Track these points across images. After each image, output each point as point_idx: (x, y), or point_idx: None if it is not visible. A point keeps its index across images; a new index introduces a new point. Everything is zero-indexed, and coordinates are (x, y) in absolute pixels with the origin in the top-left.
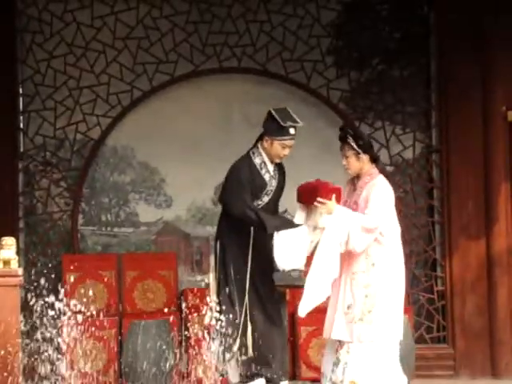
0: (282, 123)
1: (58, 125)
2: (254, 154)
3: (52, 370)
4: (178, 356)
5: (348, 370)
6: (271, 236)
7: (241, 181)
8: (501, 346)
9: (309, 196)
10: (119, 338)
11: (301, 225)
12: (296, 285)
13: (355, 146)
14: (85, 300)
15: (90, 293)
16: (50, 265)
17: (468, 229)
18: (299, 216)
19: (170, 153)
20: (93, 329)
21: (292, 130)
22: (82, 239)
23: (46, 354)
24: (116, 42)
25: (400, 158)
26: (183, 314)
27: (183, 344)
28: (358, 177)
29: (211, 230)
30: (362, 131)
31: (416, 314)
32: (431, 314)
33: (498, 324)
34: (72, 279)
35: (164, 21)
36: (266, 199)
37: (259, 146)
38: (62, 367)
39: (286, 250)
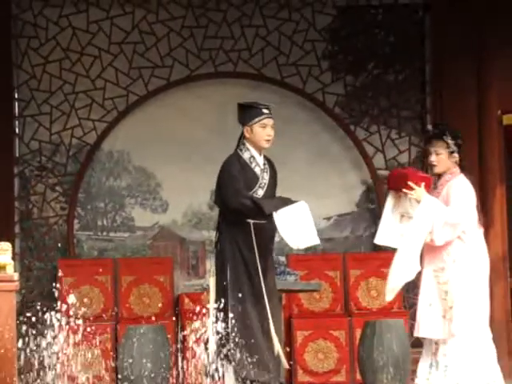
0: (253, 106)
1: (53, 130)
2: (241, 150)
3: (48, 376)
4: (174, 361)
5: (449, 373)
6: (273, 239)
7: (231, 174)
8: (497, 347)
9: (398, 182)
10: (115, 343)
11: (298, 201)
12: (292, 289)
13: (452, 145)
14: (81, 305)
15: (85, 299)
16: (45, 270)
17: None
18: (388, 203)
19: (166, 157)
20: (89, 334)
21: (265, 110)
22: (77, 244)
23: (41, 359)
24: (112, 46)
25: (395, 162)
26: (179, 319)
27: (179, 349)
28: (437, 175)
29: (207, 234)
30: (457, 130)
31: (412, 317)
32: None
33: (493, 328)
34: (68, 284)
35: (160, 26)
36: (260, 192)
37: (244, 141)
38: (58, 373)
39: (292, 228)
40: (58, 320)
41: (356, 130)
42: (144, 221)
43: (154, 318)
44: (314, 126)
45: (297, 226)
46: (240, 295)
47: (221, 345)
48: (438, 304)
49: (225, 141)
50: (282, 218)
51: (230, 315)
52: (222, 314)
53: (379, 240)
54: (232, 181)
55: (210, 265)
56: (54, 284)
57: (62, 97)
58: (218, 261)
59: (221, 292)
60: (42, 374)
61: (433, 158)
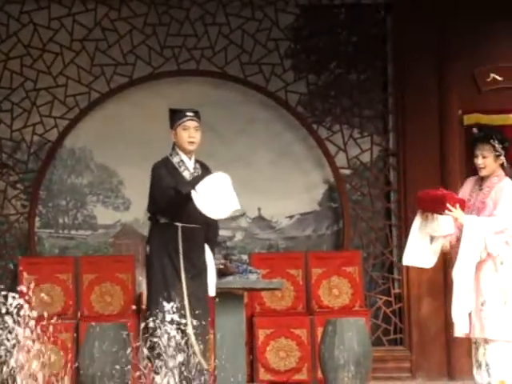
0: (177, 109)
1: (14, 127)
2: (171, 155)
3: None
4: (135, 359)
5: (492, 371)
6: (201, 243)
7: (158, 175)
8: (457, 348)
9: (434, 204)
10: (76, 341)
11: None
12: (254, 288)
13: (500, 148)
14: (42, 303)
15: (47, 297)
16: (6, 268)
17: None
18: (416, 223)
19: (128, 155)
20: (49, 332)
21: (189, 112)
22: (39, 242)
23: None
24: (73, 43)
25: (357, 162)
26: (141, 317)
27: (141, 347)
28: (482, 178)
29: None
30: (504, 133)
31: (373, 316)
32: (388, 316)
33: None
34: (29, 282)
35: (122, 23)
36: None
37: (175, 146)
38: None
39: (211, 199)
40: (19, 318)
41: (318, 129)
42: (106, 219)
43: (115, 316)
44: (277, 124)
45: (216, 197)
46: (162, 301)
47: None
48: (488, 305)
49: None
50: (201, 193)
51: (151, 322)
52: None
53: (408, 261)
54: (158, 181)
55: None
56: (14, 282)
57: (23, 94)
58: (146, 266)
59: (147, 298)
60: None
61: (480, 161)
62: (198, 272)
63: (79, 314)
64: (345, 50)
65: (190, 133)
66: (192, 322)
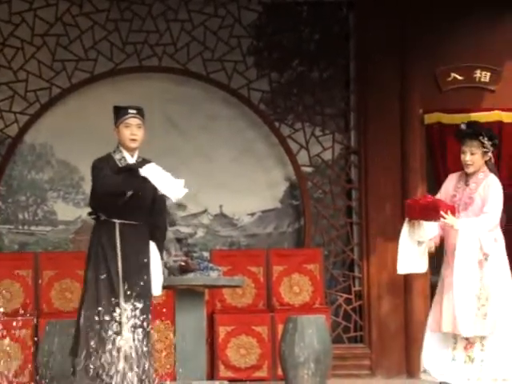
0: (121, 107)
1: None
2: (114, 152)
3: None
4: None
5: (485, 367)
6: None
7: (99, 169)
8: (416, 346)
9: (426, 212)
10: (35, 338)
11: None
12: (215, 285)
13: (489, 145)
14: (0, 299)
15: (5, 293)
16: None
17: (385, 230)
18: (404, 232)
19: (90, 151)
20: (8, 329)
21: (132, 110)
22: None
23: None
24: (35, 38)
25: (319, 159)
26: None
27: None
28: (466, 173)
29: None
30: (491, 129)
31: (333, 314)
32: (348, 314)
33: (414, 324)
34: None
35: (84, 18)
36: (129, 193)
37: (118, 143)
38: None
39: (161, 177)
40: None
41: (281, 127)
42: (66, 215)
43: (76, 313)
44: (239, 122)
45: (165, 177)
46: (95, 299)
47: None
48: (473, 301)
49: (149, 135)
50: (148, 171)
51: (81, 318)
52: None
53: (402, 269)
54: (98, 173)
55: None
56: None
57: None
58: (85, 263)
59: (80, 296)
60: None
61: (468, 158)
62: (136, 270)
63: (38, 310)
64: (307, 47)
65: (131, 130)
66: (127, 321)
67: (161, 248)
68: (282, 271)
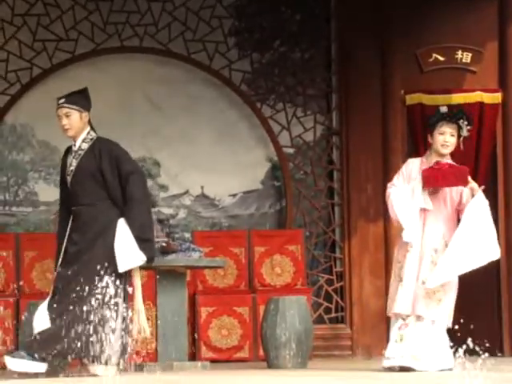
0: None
1: None
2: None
3: None
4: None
5: (407, 343)
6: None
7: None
8: None
9: (452, 177)
10: (16, 319)
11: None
12: (196, 266)
13: (465, 129)
14: None
15: None
16: None
17: (367, 211)
18: (419, 198)
19: None
20: None
21: (60, 100)
22: None
23: None
24: (15, 18)
25: (301, 140)
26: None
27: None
28: (426, 158)
29: None
30: (470, 114)
31: (315, 294)
32: (330, 294)
33: None
34: None
35: None
36: (68, 179)
37: None
38: None
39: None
40: None
41: (262, 108)
42: (47, 196)
43: None
44: (221, 103)
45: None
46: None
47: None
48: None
49: (130, 116)
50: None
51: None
52: None
53: (411, 237)
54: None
55: None
56: None
57: None
58: None
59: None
60: None
61: (448, 139)
62: (80, 252)
63: (19, 291)
64: (289, 28)
65: (62, 121)
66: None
67: (133, 226)
68: (264, 252)
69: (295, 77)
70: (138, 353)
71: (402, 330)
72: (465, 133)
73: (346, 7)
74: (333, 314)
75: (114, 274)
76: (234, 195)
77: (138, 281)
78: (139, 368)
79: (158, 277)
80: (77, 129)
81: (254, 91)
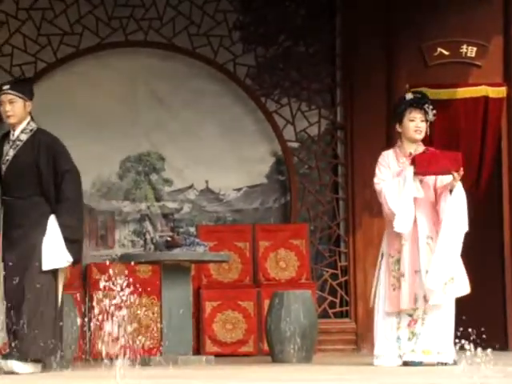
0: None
1: None
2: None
3: None
4: (81, 331)
5: (421, 338)
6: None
7: None
8: None
9: (445, 163)
10: None
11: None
12: (201, 260)
13: (431, 113)
14: None
15: None
16: None
17: (371, 205)
18: (410, 186)
19: (75, 127)
20: None
21: (5, 86)
22: None
23: None
24: (19, 12)
25: (305, 135)
26: (87, 289)
27: (87, 319)
28: (399, 148)
29: (116, 204)
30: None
31: (319, 289)
32: (334, 289)
33: None
34: None
35: None
36: (3, 168)
37: None
38: None
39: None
40: None
41: (267, 102)
42: None
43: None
44: (225, 97)
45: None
46: None
47: None
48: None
49: (135, 111)
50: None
51: None
52: None
53: (403, 227)
54: None
55: (119, 235)
56: None
57: None
58: None
59: None
60: None
61: (419, 124)
62: (12, 245)
63: None
64: (293, 22)
65: (4, 107)
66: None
67: (63, 222)
68: (269, 246)
69: (300, 71)
70: (142, 347)
71: (411, 326)
72: (431, 117)
73: (350, 1)
74: (337, 309)
75: (42, 271)
76: (239, 189)
77: (60, 283)
78: (144, 362)
79: (162, 271)
80: (19, 117)
81: (259, 85)
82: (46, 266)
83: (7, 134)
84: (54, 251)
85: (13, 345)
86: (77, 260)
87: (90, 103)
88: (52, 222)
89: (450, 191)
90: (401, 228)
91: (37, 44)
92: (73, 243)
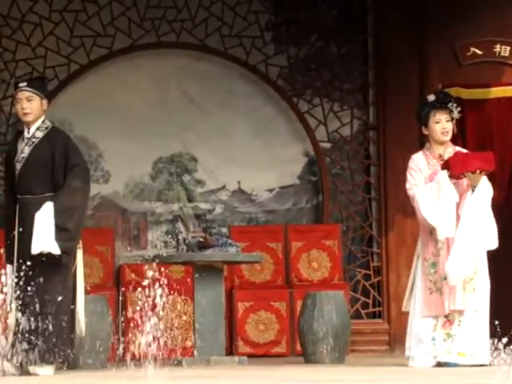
0: (15, 82)
1: None
2: (23, 126)
3: None
4: (115, 331)
5: (456, 340)
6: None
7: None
8: None
9: (483, 163)
10: None
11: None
12: (233, 261)
13: (456, 111)
14: None
15: None
16: None
17: (404, 206)
18: (450, 190)
19: (108, 128)
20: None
21: (21, 83)
22: None
23: None
24: (53, 14)
25: (337, 135)
26: (120, 290)
27: (120, 319)
28: (429, 151)
29: (149, 205)
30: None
31: (352, 289)
32: (367, 289)
33: None
34: None
35: None
36: (18, 166)
37: None
38: None
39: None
40: None
41: (299, 103)
42: None
43: (95, 289)
44: (257, 98)
45: (44, 231)
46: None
47: None
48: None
49: (167, 112)
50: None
51: None
52: None
53: (448, 233)
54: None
55: (152, 236)
56: None
57: (1, 65)
58: None
59: None
60: None
61: (445, 125)
62: (29, 244)
63: None
64: (325, 22)
65: (22, 104)
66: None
67: (58, 208)
68: (301, 247)
69: (332, 71)
70: (175, 347)
71: (446, 328)
72: (456, 115)
73: (382, 1)
74: (370, 309)
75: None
76: (271, 190)
77: (80, 283)
78: (177, 363)
79: (195, 272)
80: (36, 114)
81: (291, 86)
82: (36, 248)
83: (21, 132)
84: (44, 235)
85: (30, 348)
86: (66, 249)
87: (123, 104)
88: (49, 207)
89: (472, 189)
90: (445, 235)
91: (70, 46)
92: (62, 231)
